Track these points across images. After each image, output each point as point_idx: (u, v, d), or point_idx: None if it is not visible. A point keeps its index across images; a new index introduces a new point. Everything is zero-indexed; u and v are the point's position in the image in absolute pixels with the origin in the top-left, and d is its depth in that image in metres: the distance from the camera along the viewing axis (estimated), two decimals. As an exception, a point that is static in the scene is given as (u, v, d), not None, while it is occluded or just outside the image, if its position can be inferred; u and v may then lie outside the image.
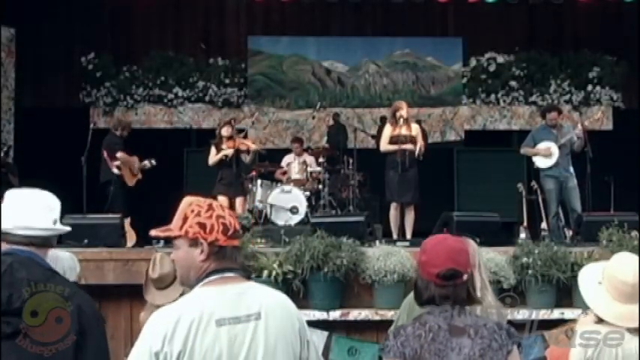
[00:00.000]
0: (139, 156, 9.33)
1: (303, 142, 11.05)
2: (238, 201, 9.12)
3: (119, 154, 9.02)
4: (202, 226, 2.31)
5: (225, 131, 9.20)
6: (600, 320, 2.93)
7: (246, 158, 9.30)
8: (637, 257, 3.00)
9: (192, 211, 2.34)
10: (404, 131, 8.42)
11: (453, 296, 2.45)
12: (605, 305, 2.91)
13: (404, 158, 8.31)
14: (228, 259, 2.33)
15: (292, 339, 2.35)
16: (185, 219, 2.33)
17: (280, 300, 2.40)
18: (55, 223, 2.53)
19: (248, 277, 2.39)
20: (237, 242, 2.36)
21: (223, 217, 2.34)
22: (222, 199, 8.96)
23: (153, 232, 2.43)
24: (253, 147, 9.40)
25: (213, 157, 9.17)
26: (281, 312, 2.35)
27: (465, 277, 2.46)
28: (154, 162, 9.35)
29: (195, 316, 2.21)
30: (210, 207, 2.35)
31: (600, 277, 2.98)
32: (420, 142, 8.41)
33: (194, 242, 2.31)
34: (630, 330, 2.89)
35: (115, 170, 8.98)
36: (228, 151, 9.07)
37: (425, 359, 2.37)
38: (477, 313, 2.68)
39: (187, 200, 2.39)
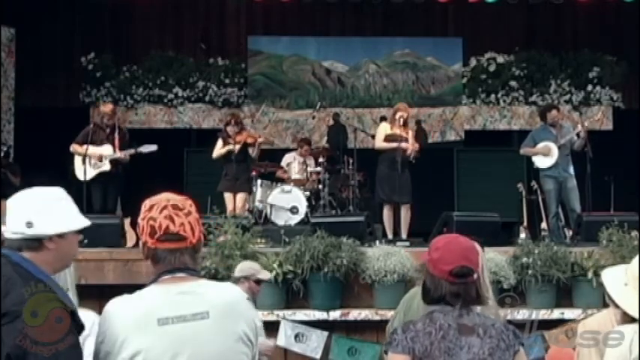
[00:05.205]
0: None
1: (311, 143, 10.91)
2: (240, 197, 8.87)
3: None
4: (138, 226, 2.29)
5: (231, 129, 8.96)
6: (632, 320, 2.91)
7: (253, 152, 9.16)
8: None
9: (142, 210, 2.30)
10: (400, 132, 8.43)
11: (464, 294, 2.47)
12: (636, 305, 2.91)
13: (399, 157, 8.28)
14: (163, 262, 2.24)
15: (243, 338, 2.25)
16: None
17: (232, 299, 2.30)
18: (29, 226, 2.23)
19: (200, 276, 2.30)
20: (172, 245, 2.23)
21: (154, 219, 2.23)
22: (227, 196, 8.90)
23: None
24: (260, 139, 9.27)
25: (219, 150, 9.04)
26: (231, 311, 2.26)
27: (476, 275, 2.50)
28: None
29: (135, 315, 2.18)
30: (150, 208, 2.26)
31: (625, 279, 2.98)
32: (411, 145, 8.38)
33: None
34: None
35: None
36: (234, 146, 8.90)
37: (434, 356, 2.39)
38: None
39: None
